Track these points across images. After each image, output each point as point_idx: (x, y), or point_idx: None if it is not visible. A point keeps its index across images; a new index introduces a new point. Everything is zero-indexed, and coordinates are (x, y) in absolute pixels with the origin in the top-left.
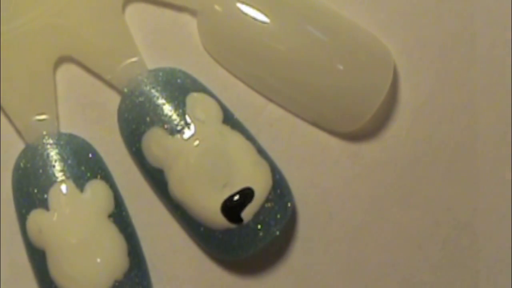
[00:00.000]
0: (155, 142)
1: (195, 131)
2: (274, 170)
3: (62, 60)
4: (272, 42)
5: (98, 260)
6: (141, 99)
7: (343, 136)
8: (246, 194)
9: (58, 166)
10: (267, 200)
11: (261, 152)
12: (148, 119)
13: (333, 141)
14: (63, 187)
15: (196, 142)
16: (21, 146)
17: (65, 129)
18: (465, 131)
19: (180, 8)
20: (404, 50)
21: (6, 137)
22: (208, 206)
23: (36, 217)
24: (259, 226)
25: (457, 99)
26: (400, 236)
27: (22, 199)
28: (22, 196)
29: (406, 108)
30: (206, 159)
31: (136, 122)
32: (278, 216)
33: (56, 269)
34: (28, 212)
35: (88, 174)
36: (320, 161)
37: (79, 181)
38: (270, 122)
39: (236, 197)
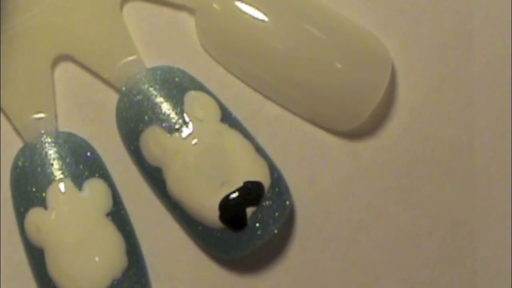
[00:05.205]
0: (153, 141)
1: (193, 130)
2: (272, 169)
3: (60, 58)
4: (271, 40)
5: (97, 258)
6: (139, 97)
7: (341, 135)
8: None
9: (56, 165)
10: (266, 198)
11: (259, 150)
12: (146, 117)
13: (331, 140)
14: (61, 186)
15: (194, 141)
16: (19, 144)
17: (63, 127)
18: (463, 130)
19: (178, 7)
20: (402, 48)
21: (4, 136)
22: (207, 204)
23: (34, 215)
24: (257, 225)
25: (455, 97)
26: (398, 235)
27: (20, 198)
28: (21, 194)
29: (404, 106)
30: (204, 157)
31: (134, 121)
32: (277, 214)
33: (54, 268)
34: (26, 210)
35: (86, 173)
36: (318, 159)
37: (77, 179)
38: (268, 120)
39: (234, 195)
